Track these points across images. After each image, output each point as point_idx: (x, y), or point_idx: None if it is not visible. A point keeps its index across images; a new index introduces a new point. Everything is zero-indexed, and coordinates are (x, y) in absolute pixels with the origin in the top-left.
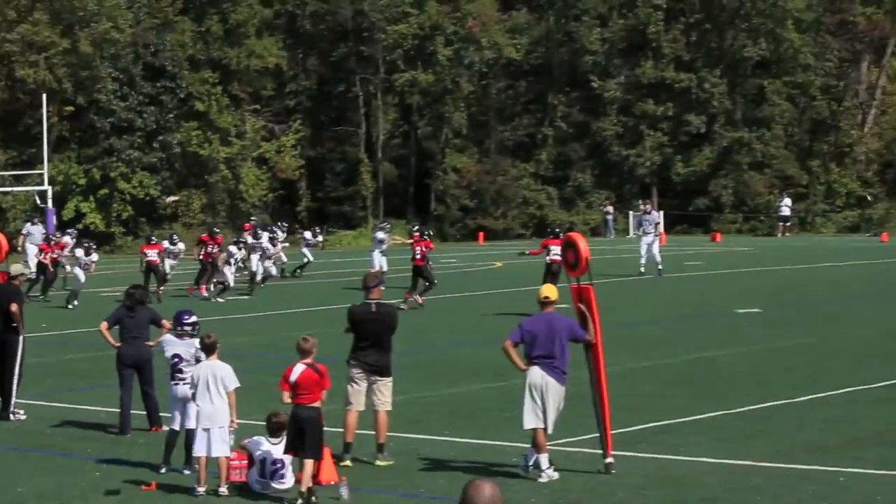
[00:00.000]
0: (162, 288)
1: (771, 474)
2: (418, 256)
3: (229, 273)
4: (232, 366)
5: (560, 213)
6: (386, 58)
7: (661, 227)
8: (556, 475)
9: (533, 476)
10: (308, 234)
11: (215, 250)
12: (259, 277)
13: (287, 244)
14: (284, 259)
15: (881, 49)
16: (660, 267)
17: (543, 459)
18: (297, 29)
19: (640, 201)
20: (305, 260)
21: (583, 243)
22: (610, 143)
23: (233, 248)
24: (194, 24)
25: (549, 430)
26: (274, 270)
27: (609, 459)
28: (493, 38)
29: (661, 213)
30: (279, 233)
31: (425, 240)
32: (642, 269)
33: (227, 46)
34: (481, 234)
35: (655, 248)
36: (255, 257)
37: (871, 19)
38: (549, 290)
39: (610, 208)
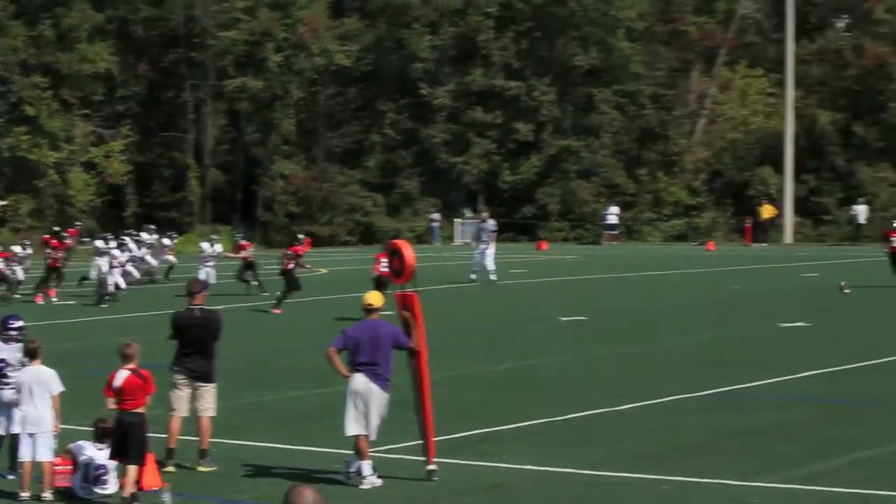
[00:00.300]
0: (17, 294)
1: (594, 482)
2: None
3: (117, 276)
4: (56, 371)
5: (386, 220)
6: (216, 64)
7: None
8: (378, 482)
9: (355, 482)
10: (162, 239)
11: (60, 255)
12: (110, 288)
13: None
14: (173, 260)
15: (712, 58)
16: (492, 277)
17: (366, 466)
18: (130, 34)
19: (476, 209)
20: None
21: (408, 250)
22: (437, 150)
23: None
24: (27, 28)
25: (373, 437)
26: (122, 283)
27: (432, 466)
28: (323, 45)
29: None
30: (144, 236)
31: (296, 245)
32: (473, 277)
33: (59, 51)
34: (307, 240)
35: (489, 257)
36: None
37: (703, 29)
38: (374, 298)
39: (436, 216)
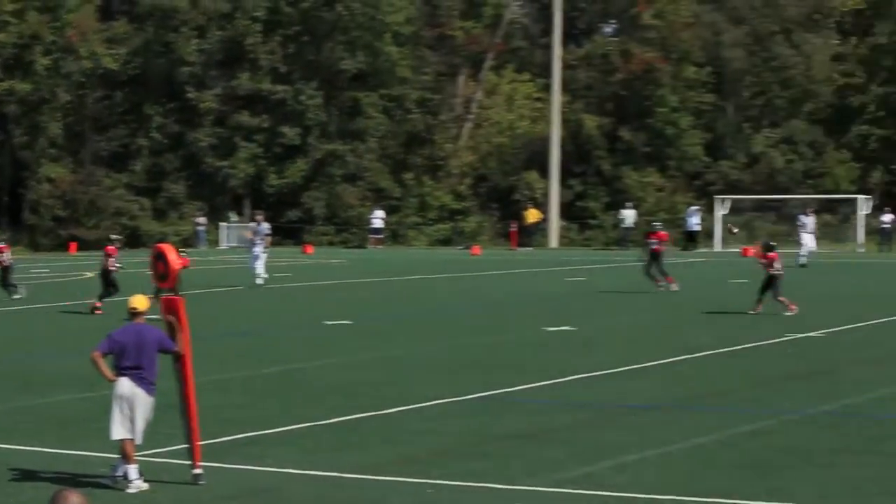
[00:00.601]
0: None
1: (358, 486)
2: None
3: None
4: None
5: (153, 223)
6: None
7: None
8: (145, 486)
9: (122, 487)
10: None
11: None
12: None
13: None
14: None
15: (479, 63)
16: (259, 281)
17: (132, 470)
18: None
19: (242, 213)
20: None
21: (172, 255)
22: (204, 154)
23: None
24: None
25: (138, 441)
26: None
27: (198, 470)
28: (91, 48)
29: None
30: None
31: (114, 246)
32: (259, 282)
33: None
34: (73, 244)
35: (261, 261)
36: None
37: (470, 33)
38: (138, 302)
39: (202, 219)
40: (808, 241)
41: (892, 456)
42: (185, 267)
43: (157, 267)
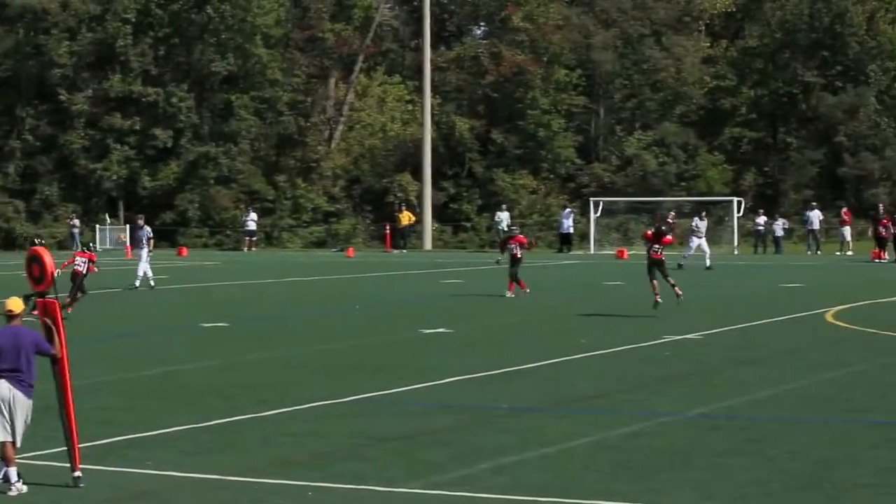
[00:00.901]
0: None
1: (239, 488)
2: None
3: None
4: None
5: (27, 225)
6: None
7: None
8: (24, 488)
9: (3, 489)
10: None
11: None
12: None
13: None
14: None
15: (350, 65)
16: (137, 283)
17: (12, 472)
18: None
19: (115, 215)
20: None
21: (48, 258)
22: (77, 156)
23: None
24: None
25: (18, 444)
26: None
27: (77, 473)
28: None
29: (128, 226)
30: None
31: (90, 252)
32: (152, 284)
33: None
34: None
35: (145, 263)
36: None
37: (341, 36)
38: (14, 304)
39: (76, 221)
40: (702, 244)
41: (772, 458)
42: (92, 261)
43: (31, 270)
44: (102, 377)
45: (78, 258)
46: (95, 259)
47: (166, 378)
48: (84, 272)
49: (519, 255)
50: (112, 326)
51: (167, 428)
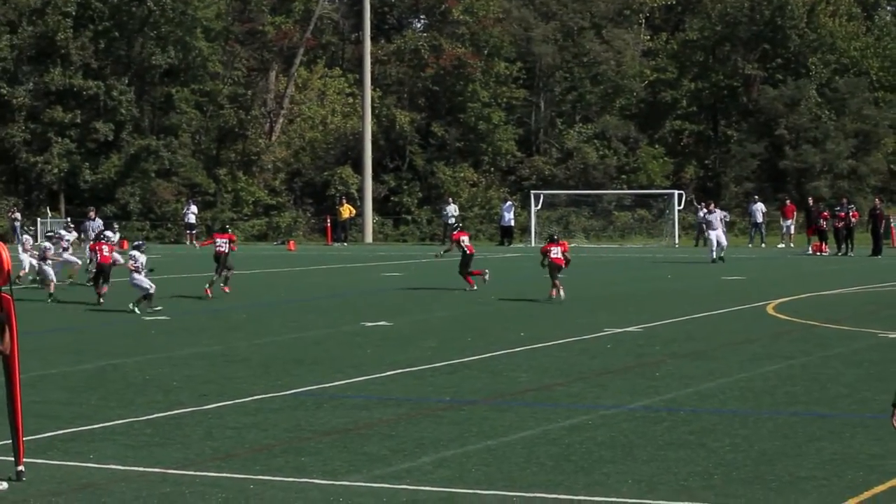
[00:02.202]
0: None
1: (180, 482)
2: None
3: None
4: None
5: None
6: None
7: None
8: (4, 485)
9: None
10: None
11: None
12: None
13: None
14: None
15: (290, 58)
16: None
17: None
18: None
19: (54, 208)
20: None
21: (5, 252)
22: (18, 149)
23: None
24: None
25: None
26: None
27: (20, 467)
28: None
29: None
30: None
31: (229, 233)
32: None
33: None
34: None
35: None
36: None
37: (281, 29)
38: None
39: (18, 215)
40: (718, 235)
41: (715, 451)
42: (233, 241)
43: None
44: (43, 370)
45: (218, 239)
46: (235, 239)
47: (107, 371)
48: (226, 251)
49: (472, 251)
50: (52, 320)
51: (109, 421)
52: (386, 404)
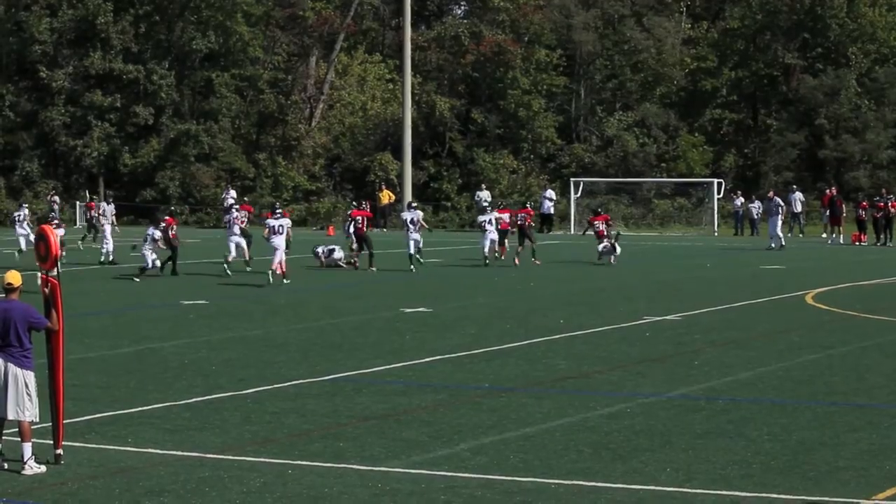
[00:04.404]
0: None
1: (218, 466)
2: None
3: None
4: None
5: (8, 202)
6: None
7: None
8: (40, 468)
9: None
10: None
11: None
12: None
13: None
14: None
15: (330, 44)
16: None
17: (27, 449)
18: None
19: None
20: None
21: (54, 237)
22: (57, 133)
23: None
24: None
25: (20, 417)
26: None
27: (59, 451)
28: None
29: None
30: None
31: (364, 210)
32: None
33: None
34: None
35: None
36: None
37: (321, 14)
38: (13, 277)
39: (56, 198)
40: (776, 223)
41: (753, 440)
42: (369, 218)
43: (38, 248)
44: (82, 354)
45: (357, 216)
46: (371, 217)
47: (146, 355)
48: (364, 228)
49: (506, 227)
50: (92, 303)
51: (147, 405)
52: (424, 391)
